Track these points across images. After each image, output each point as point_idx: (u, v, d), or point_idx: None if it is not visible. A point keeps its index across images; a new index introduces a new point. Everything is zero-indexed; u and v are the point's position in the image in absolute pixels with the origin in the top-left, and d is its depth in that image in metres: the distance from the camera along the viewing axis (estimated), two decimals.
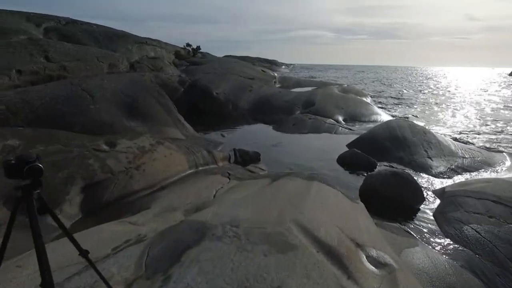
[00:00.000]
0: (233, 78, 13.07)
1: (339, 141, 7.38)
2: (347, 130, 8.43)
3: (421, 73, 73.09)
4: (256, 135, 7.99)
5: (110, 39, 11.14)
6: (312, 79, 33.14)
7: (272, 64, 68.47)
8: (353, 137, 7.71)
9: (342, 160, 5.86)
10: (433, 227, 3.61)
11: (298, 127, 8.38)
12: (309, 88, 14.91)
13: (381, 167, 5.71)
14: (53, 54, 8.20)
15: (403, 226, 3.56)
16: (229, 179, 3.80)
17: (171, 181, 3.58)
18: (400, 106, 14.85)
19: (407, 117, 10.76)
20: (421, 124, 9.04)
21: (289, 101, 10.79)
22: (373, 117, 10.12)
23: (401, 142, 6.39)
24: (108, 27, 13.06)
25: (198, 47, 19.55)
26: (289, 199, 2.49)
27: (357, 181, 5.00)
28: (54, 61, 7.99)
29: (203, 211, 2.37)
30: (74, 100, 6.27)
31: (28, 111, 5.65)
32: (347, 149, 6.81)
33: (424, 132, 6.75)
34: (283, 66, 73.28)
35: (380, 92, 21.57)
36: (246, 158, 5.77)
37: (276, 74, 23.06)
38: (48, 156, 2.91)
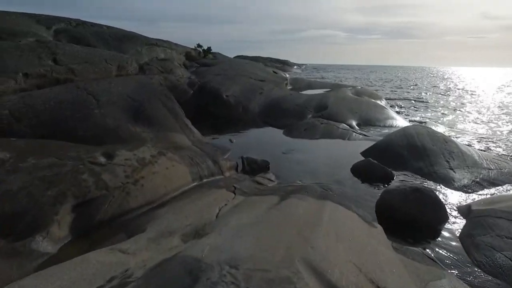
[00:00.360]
0: (244, 80, 12.83)
1: (353, 148, 7.01)
2: (361, 136, 8.04)
3: (436, 74, 71.23)
4: (266, 140, 7.70)
5: (120, 40, 11.04)
6: (323, 80, 32.64)
7: (284, 64, 68.19)
8: (367, 144, 7.34)
9: (357, 170, 5.51)
10: (460, 253, 3.24)
11: (310, 133, 8.05)
12: (321, 90, 14.53)
13: (399, 177, 5.35)
14: (62, 57, 8.11)
15: (426, 251, 3.20)
16: (235, 194, 3.53)
17: (172, 196, 3.34)
18: (416, 109, 14.31)
19: (425, 122, 10.26)
20: (441, 130, 8.57)
21: (300, 104, 10.45)
22: (389, 122, 9.68)
23: (420, 151, 5.98)
24: (118, 29, 13.00)
25: (209, 48, 19.38)
26: (298, 228, 2.20)
27: (373, 194, 4.66)
28: (62, 64, 7.90)
29: (201, 241, 2.10)
30: (79, 104, 6.12)
31: (31, 116, 5.53)
32: (361, 157, 6.45)
33: (445, 140, 6.32)
34: (295, 67, 72.85)
35: (394, 94, 20.95)
36: (254, 167, 5.49)
37: (287, 75, 22.71)
38: (39, 170, 2.71)
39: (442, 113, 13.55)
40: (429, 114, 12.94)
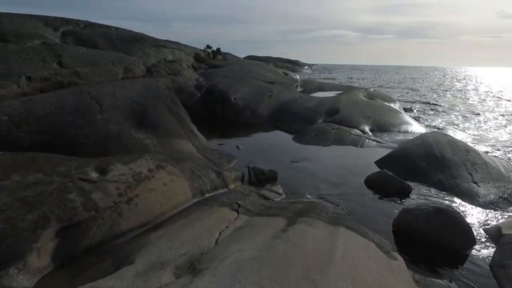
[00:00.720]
0: (253, 82, 12.53)
1: (366, 157, 6.62)
2: (374, 142, 7.63)
3: (451, 74, 69.36)
4: (275, 147, 7.37)
5: (127, 42, 10.89)
6: (334, 81, 32.05)
7: (295, 64, 67.75)
8: (381, 152, 6.94)
9: (371, 183, 5.13)
10: (491, 285, 2.86)
11: (321, 139, 7.68)
12: (333, 93, 14.11)
13: (417, 191, 4.95)
14: (67, 60, 7.97)
15: (452, 284, 2.83)
16: (238, 213, 3.23)
17: (170, 215, 3.06)
18: (432, 113, 13.72)
19: (442, 128, 9.75)
20: (460, 137, 8.08)
21: (311, 108, 10.08)
22: (403, 127, 9.22)
23: (440, 161, 5.56)
24: (127, 30, 12.88)
25: (218, 49, 19.15)
26: (306, 269, 1.89)
27: (390, 211, 4.29)
28: (67, 67, 7.75)
29: (194, 283, 1.81)
30: (81, 109, 5.93)
31: (32, 122, 5.35)
32: (375, 166, 6.07)
33: (467, 149, 5.87)
34: (306, 67, 72.24)
35: (408, 96, 20.29)
36: (261, 178, 5.18)
37: (298, 77, 22.31)
38: (22, 190, 2.47)
39: (461, 117, 12.94)
40: (447, 119, 12.36)
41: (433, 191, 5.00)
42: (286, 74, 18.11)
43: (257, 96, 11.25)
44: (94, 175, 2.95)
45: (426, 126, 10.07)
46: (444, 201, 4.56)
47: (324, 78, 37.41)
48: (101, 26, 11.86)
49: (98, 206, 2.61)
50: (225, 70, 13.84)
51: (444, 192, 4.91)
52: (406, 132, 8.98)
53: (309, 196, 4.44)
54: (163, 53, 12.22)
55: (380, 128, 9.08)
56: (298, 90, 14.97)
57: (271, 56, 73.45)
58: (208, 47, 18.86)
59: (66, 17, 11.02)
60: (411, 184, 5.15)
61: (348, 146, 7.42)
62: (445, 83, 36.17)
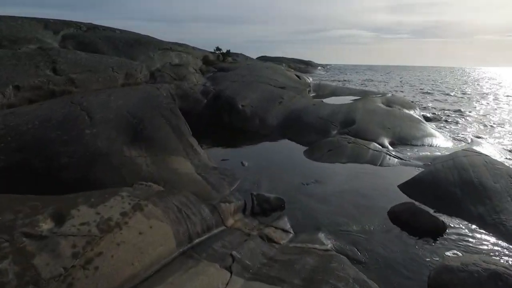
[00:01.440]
0: (262, 87, 11.82)
1: (388, 179, 5.81)
2: (396, 160, 6.79)
3: (472, 75, 66.58)
4: (284, 164, 6.63)
5: (131, 46, 10.37)
6: (349, 83, 30.93)
7: (308, 65, 66.72)
8: (405, 172, 6.13)
9: (396, 217, 4.34)
10: None
11: (335, 155, 6.90)
12: (348, 98, 13.25)
13: (453, 229, 4.13)
14: (62, 65, 7.46)
15: None
16: (231, 272, 2.54)
17: (142, 279, 2.39)
18: (458, 122, 12.61)
19: (472, 142, 8.75)
20: (497, 155, 7.15)
21: (324, 117, 9.29)
22: (427, 140, 8.31)
23: (478, 190, 4.71)
24: (132, 33, 12.39)
25: (228, 51, 18.52)
26: None
27: (421, 258, 3.50)
28: (61, 74, 7.24)
29: None
30: (69, 123, 5.36)
31: (11, 139, 4.80)
32: (398, 191, 5.27)
33: (510, 175, 4.99)
34: (319, 67, 71.06)
35: (427, 100, 19.11)
36: (266, 207, 4.47)
37: (310, 80, 21.45)
38: None
39: (490, 127, 11.84)
40: (474, 129, 11.30)
41: (473, 228, 4.17)
42: (298, 77, 17.33)
43: (266, 102, 10.53)
44: (46, 226, 2.32)
45: (453, 138, 9.10)
46: (497, 259, 3.74)
47: (338, 80, 36.35)
48: (104, 28, 11.39)
49: (39, 278, 1.96)
50: (233, 74, 13.18)
51: (486, 231, 4.07)
52: (430, 146, 8.08)
53: (323, 238, 3.69)
54: (168, 56, 11.66)
55: (401, 141, 8.21)
56: (311, 95, 14.18)
57: (285, 56, 72.68)
58: (218, 49, 18.25)
59: (76, 18, 10.64)
60: (445, 217, 4.34)
61: (366, 164, 6.61)
62: (467, 85, 34.44)
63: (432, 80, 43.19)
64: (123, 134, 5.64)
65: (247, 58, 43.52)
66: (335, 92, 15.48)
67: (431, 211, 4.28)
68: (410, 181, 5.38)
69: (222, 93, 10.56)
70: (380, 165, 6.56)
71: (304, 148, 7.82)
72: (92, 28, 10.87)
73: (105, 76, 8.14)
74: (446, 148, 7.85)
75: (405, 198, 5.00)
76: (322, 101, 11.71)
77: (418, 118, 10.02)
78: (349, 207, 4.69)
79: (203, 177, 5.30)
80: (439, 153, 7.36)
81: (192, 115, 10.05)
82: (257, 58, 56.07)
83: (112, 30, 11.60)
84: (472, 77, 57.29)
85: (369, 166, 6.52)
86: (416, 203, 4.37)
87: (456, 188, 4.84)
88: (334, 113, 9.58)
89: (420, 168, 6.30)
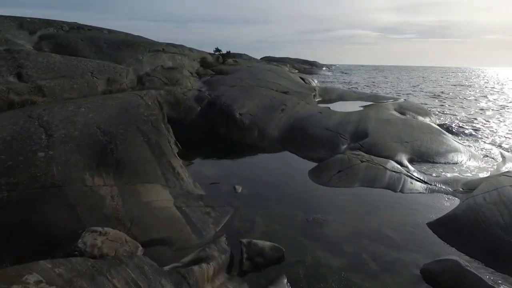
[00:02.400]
0: (263, 93, 10.75)
1: (414, 212, 4.71)
2: (419, 183, 5.69)
3: (480, 75, 64.57)
4: (285, 189, 5.54)
5: (117, 47, 9.36)
6: (354, 85, 29.66)
7: (313, 65, 65.48)
8: (433, 201, 5.06)
9: (434, 279, 3.24)
10: None
11: (346, 177, 5.81)
12: (357, 104, 12.14)
13: None
14: (30, 70, 6.47)
15: None
16: None
17: None
18: (478, 130, 11.37)
19: (502, 158, 7.55)
20: None
21: (332, 128, 8.19)
22: (452, 157, 7.16)
23: None
24: (121, 33, 11.39)
25: (229, 52, 17.47)
26: None
27: None
28: (27, 80, 6.25)
29: None
30: (18, 143, 4.34)
31: None
32: (429, 231, 4.18)
33: None
34: (324, 68, 69.71)
35: (439, 105, 17.83)
36: (258, 262, 3.40)
37: (316, 82, 20.32)
38: None
39: None
40: (502, 138, 10.08)
41: None
42: (303, 80, 16.23)
43: (267, 110, 9.46)
44: None
45: (485, 156, 7.90)
46: None
47: (344, 82, 35.11)
48: (90, 28, 10.41)
49: None
50: (232, 77, 12.12)
51: None
52: (456, 164, 6.94)
53: None
54: (160, 59, 10.63)
55: (421, 157, 7.09)
56: (316, 100, 13.08)
57: (289, 57, 71.58)
58: (217, 50, 17.21)
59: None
60: (492, 274, 3.24)
61: (384, 189, 5.52)
62: (479, 86, 32.91)
63: (442, 81, 41.69)
64: (87, 156, 4.61)
65: (250, 58, 42.48)
66: (342, 96, 14.37)
67: (486, 273, 3.17)
68: (443, 219, 4.27)
69: (218, 100, 9.52)
70: (401, 191, 5.45)
71: (309, 164, 6.74)
72: (76, 28, 9.89)
73: (82, 83, 7.13)
74: (477, 168, 6.71)
75: (439, 244, 3.92)
76: (329, 108, 10.62)
77: (438, 129, 8.87)
78: (368, 260, 3.60)
79: (183, 213, 4.25)
80: (470, 175, 6.24)
81: (183, 125, 9.03)
82: (261, 59, 55.01)
83: (99, 30, 10.61)
84: (485, 78, 55.50)
85: (387, 192, 5.42)
86: (460, 261, 3.26)
87: (505, 231, 3.72)
88: (343, 123, 8.47)
89: (451, 197, 5.20)
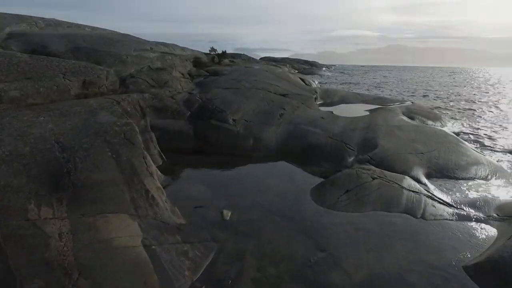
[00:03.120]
0: (260, 95, 9.85)
1: (443, 248, 3.79)
2: (443, 206, 4.78)
3: (484, 76, 63.57)
4: (283, 214, 4.61)
5: (98, 46, 8.44)
6: (357, 86, 28.73)
7: (312, 66, 64.65)
8: (464, 232, 4.19)
9: None
10: None
11: (356, 199, 4.89)
12: (361, 107, 11.25)
13: None
14: None
15: None
16: None
17: None
18: (504, 141, 10.27)
19: None
20: None
21: (336, 136, 7.28)
22: (475, 171, 6.24)
23: None
24: (105, 30, 10.49)
25: (224, 52, 16.58)
26: None
27: None
28: None
29: None
30: None
31: None
32: (466, 278, 3.27)
33: None
34: (324, 68, 68.91)
35: (446, 107, 16.91)
36: None
37: (316, 83, 19.42)
38: None
39: None
40: None
41: None
42: (303, 81, 15.33)
43: (264, 115, 8.56)
44: None
45: (508, 168, 6.98)
46: None
47: (345, 83, 34.21)
48: (70, 25, 9.50)
49: None
50: (226, 79, 11.22)
51: None
52: (481, 179, 6.03)
53: None
54: (147, 59, 9.72)
55: (441, 171, 6.18)
56: (318, 103, 12.18)
57: (289, 57, 70.75)
58: (213, 49, 16.32)
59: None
60: None
61: (401, 214, 4.61)
62: (487, 87, 31.98)
63: (443, 82, 40.78)
64: (36, 179, 3.70)
65: (249, 58, 41.58)
66: (345, 99, 13.46)
67: None
68: (485, 263, 3.35)
69: (210, 104, 8.62)
70: (423, 216, 4.54)
71: (312, 179, 5.84)
72: (54, 24, 8.98)
73: (51, 86, 6.20)
74: (505, 184, 5.80)
75: None
76: (332, 112, 9.70)
77: (454, 137, 7.96)
78: None
79: (152, 254, 3.33)
80: (499, 194, 5.33)
81: (170, 132, 8.13)
82: (260, 59, 54.14)
83: (80, 27, 9.70)
84: (492, 78, 54.58)
85: (406, 218, 4.50)
86: None
87: None
88: (349, 130, 7.56)
89: (485, 225, 4.29)
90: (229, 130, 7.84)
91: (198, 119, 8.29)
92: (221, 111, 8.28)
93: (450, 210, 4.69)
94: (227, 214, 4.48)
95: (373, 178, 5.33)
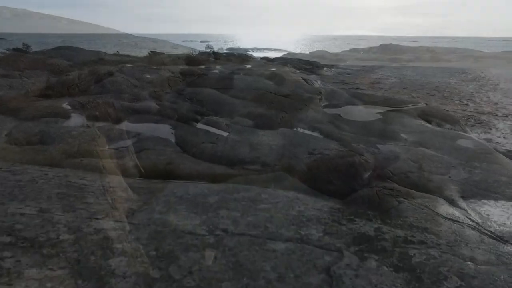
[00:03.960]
0: (259, 96, 8.73)
1: None
2: (492, 241, 3.66)
3: (486, 76, 61.89)
4: (284, 281, 3.48)
5: (72, 42, 7.30)
6: (362, 87, 27.42)
7: (313, 66, 63.43)
8: None
9: None
10: None
11: None
12: (371, 109, 10.14)
13: None
14: None
15: None
16: None
17: None
18: None
19: None
20: None
21: (346, 145, 6.16)
22: None
23: None
24: (85, 23, 9.35)
25: (221, 50, 15.42)
26: None
27: None
28: None
29: None
30: None
31: None
32: None
33: None
34: (325, 68, 67.60)
35: (456, 106, 15.66)
36: None
37: (319, 83, 18.25)
38: None
39: None
40: None
41: None
42: (306, 82, 14.22)
43: (262, 119, 7.45)
44: None
45: None
46: None
47: (346, 83, 33.01)
48: (43, 16, 8.34)
49: None
50: (221, 78, 10.11)
51: None
52: None
53: None
54: (131, 56, 8.60)
55: (477, 190, 5.06)
56: (322, 104, 11.08)
57: (290, 57, 69.57)
58: (209, 47, 15.18)
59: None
60: None
61: None
62: (494, 88, 30.61)
63: (448, 81, 39.49)
64: None
65: (249, 58, 40.42)
66: (351, 100, 12.34)
67: None
68: None
69: (200, 106, 7.51)
70: (471, 259, 3.41)
71: (319, 204, 4.71)
72: (22, 15, 7.87)
73: None
74: None
75: None
76: (340, 115, 8.60)
77: (485, 145, 6.84)
78: None
79: None
80: None
81: (152, 140, 7.01)
82: (261, 59, 52.99)
83: (55, 19, 8.59)
84: (496, 79, 53.24)
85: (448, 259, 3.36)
86: None
87: None
88: (362, 137, 6.43)
89: None
90: (222, 137, 6.74)
91: (186, 124, 7.20)
92: (212, 116, 7.18)
93: (500, 244, 3.57)
94: (209, 257, 3.34)
95: (399, 202, 4.21)
